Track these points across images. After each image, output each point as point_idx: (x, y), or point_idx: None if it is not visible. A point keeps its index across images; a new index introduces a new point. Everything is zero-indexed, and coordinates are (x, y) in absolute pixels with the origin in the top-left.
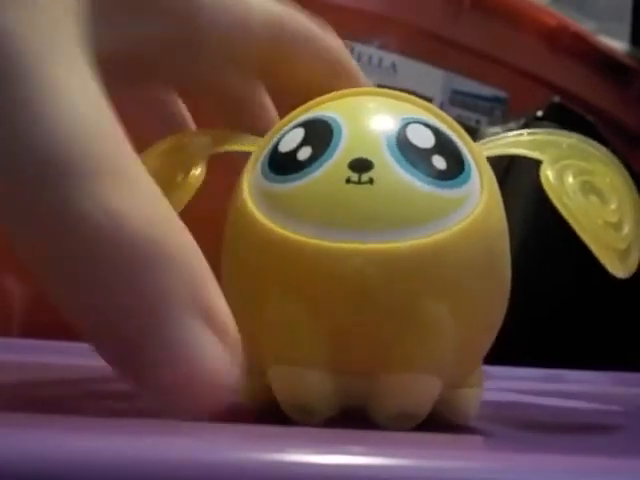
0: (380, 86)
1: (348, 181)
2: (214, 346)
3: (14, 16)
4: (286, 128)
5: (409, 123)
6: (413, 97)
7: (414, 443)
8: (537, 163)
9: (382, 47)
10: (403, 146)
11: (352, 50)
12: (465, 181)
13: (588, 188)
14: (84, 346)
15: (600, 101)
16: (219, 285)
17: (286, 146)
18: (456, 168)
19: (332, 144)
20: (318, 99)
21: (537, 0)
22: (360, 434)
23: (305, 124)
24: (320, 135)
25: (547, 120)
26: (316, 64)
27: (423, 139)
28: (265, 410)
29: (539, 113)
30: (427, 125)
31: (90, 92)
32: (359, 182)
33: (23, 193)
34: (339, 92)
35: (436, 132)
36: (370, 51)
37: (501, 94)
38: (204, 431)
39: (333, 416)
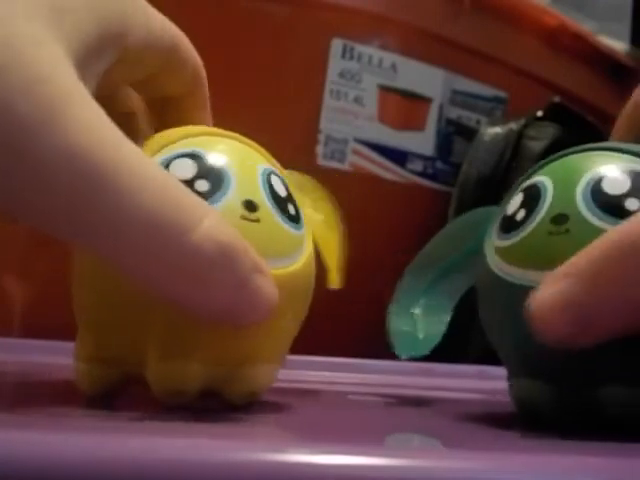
0: (380, 86)
1: (243, 218)
2: (267, 284)
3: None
4: (169, 155)
5: (270, 173)
6: (254, 142)
7: (422, 443)
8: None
9: (382, 47)
10: (272, 193)
11: (352, 50)
12: (302, 224)
13: (326, 223)
14: None
15: (600, 101)
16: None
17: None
18: (297, 213)
19: (225, 183)
20: (185, 131)
21: (537, 0)
22: (357, 435)
23: (194, 156)
24: (216, 173)
25: (547, 120)
26: (180, 75)
27: (280, 188)
28: (105, 393)
29: (539, 113)
30: (277, 175)
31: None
32: (253, 220)
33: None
34: (201, 129)
35: (284, 182)
36: (370, 51)
37: (501, 94)
38: (203, 431)
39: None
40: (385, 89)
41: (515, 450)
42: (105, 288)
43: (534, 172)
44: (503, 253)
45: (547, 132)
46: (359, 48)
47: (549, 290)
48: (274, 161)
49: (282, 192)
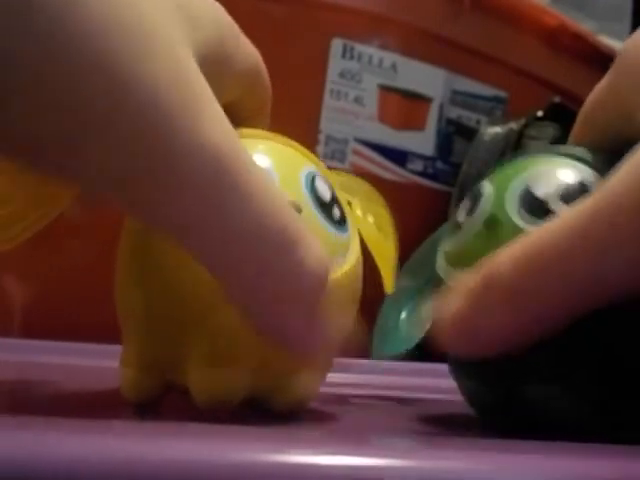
0: (381, 86)
1: None
2: (324, 320)
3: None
4: None
5: (314, 176)
6: (299, 145)
7: (411, 444)
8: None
9: (382, 47)
10: (315, 197)
11: (352, 50)
12: (347, 227)
13: (377, 226)
14: (84, 346)
15: None
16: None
17: None
18: (342, 216)
19: None
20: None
21: (537, 0)
22: (356, 435)
23: None
24: None
25: (547, 120)
26: (257, 97)
27: (325, 191)
28: (147, 402)
29: (539, 113)
30: (322, 177)
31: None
32: None
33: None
34: (244, 131)
35: (329, 185)
36: (370, 51)
37: (501, 94)
38: (203, 432)
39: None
40: (385, 89)
41: (519, 451)
42: (155, 290)
43: (487, 177)
44: (447, 256)
45: (547, 132)
46: (359, 48)
47: (444, 304)
48: (321, 163)
49: (326, 195)
